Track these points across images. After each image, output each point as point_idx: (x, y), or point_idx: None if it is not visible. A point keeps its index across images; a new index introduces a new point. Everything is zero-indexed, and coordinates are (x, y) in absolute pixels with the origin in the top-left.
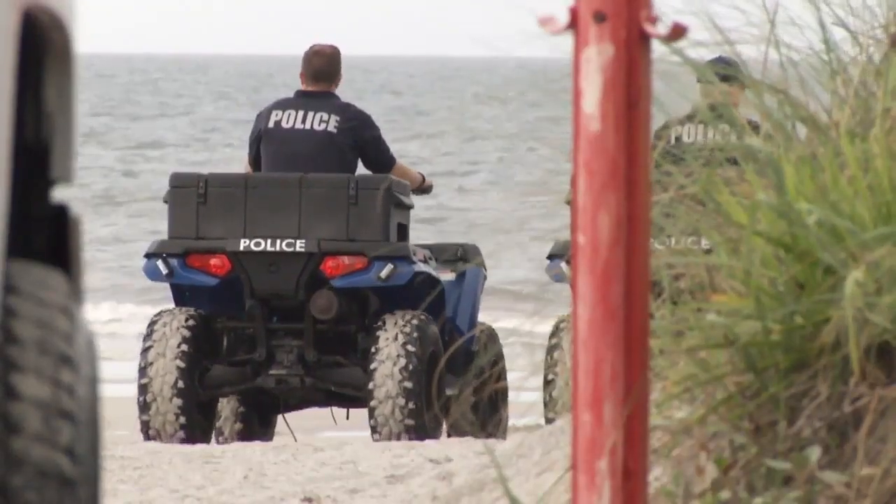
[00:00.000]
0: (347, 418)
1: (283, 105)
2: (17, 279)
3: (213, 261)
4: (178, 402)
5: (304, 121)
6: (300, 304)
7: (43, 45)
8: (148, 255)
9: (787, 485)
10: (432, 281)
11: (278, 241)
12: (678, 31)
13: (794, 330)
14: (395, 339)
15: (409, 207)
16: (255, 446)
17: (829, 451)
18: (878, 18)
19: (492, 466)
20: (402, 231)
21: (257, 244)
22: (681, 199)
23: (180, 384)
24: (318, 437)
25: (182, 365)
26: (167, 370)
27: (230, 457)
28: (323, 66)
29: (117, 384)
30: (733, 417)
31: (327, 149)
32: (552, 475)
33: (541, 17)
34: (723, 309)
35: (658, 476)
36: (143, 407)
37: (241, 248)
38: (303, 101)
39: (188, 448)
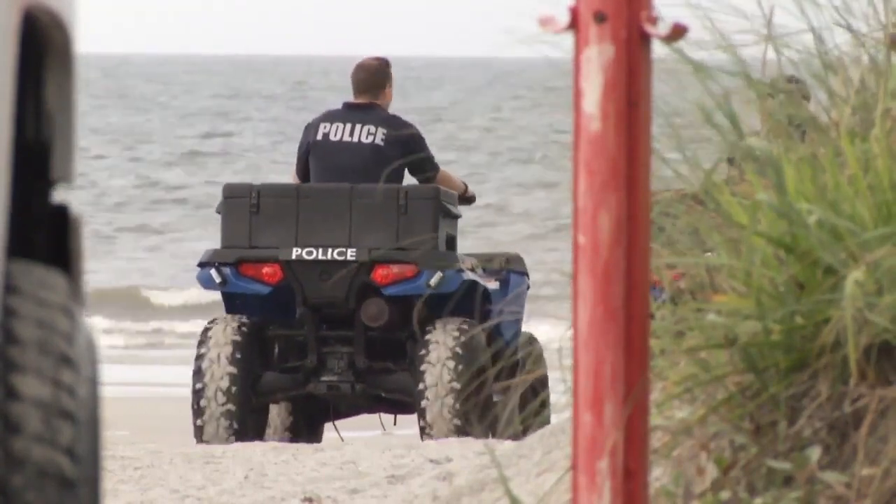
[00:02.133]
0: (395, 424)
1: (330, 118)
2: (18, 279)
3: (266, 269)
4: (231, 407)
5: (351, 133)
6: (350, 312)
7: (43, 45)
8: (201, 265)
9: (787, 485)
10: (479, 289)
11: (329, 250)
12: (678, 32)
13: (795, 330)
14: (444, 345)
15: (457, 217)
16: (256, 446)
17: (830, 451)
18: (878, 18)
19: (492, 466)
20: (451, 240)
21: (309, 253)
22: (681, 199)
23: (233, 390)
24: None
25: (235, 371)
26: (221, 377)
27: (230, 457)
28: (366, 78)
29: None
30: (734, 417)
31: (375, 160)
32: (552, 475)
33: (541, 17)
34: (723, 309)
35: (658, 476)
36: (197, 412)
37: (294, 256)
38: (350, 113)
39: (189, 448)
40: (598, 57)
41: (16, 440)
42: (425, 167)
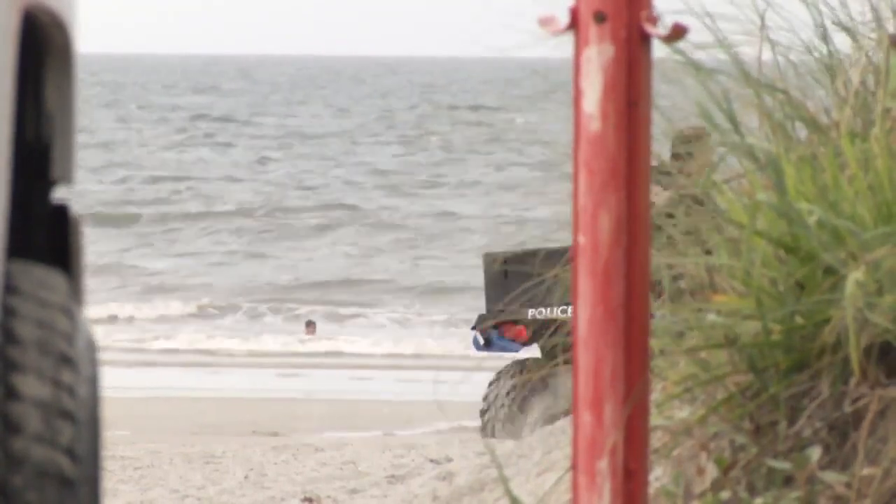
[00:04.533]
0: None
1: None
2: (18, 279)
3: (518, 329)
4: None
5: None
6: None
7: (43, 45)
8: (473, 328)
9: (787, 485)
10: None
11: (554, 309)
12: (678, 32)
13: (795, 330)
14: None
15: None
16: (256, 446)
17: (830, 451)
18: (878, 18)
19: (492, 466)
20: None
21: (540, 313)
22: (681, 199)
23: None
24: (319, 437)
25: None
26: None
27: (230, 457)
28: None
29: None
30: (734, 417)
31: None
32: (553, 475)
33: (541, 17)
34: (723, 309)
35: (658, 476)
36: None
37: (529, 317)
38: None
39: (189, 448)
40: (597, 57)
41: (16, 440)
42: None
